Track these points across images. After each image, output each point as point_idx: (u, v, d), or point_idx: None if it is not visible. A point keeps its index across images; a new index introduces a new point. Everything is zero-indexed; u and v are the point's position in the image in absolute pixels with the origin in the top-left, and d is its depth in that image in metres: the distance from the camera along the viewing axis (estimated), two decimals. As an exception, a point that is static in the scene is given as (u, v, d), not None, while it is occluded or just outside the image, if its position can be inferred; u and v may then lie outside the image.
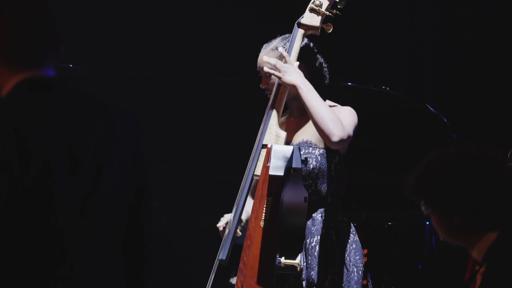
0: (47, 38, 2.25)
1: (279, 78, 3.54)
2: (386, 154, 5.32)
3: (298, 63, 3.58)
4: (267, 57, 3.67)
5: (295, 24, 3.62)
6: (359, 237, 3.69)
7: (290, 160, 3.38)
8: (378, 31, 6.29)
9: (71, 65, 5.10)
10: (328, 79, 3.75)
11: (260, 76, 3.73)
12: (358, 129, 3.64)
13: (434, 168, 2.48)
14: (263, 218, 3.36)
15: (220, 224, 3.74)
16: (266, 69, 3.62)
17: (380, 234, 5.08)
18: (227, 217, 3.75)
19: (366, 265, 3.71)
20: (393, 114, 5.32)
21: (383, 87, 5.27)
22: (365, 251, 3.72)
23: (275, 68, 3.56)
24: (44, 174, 2.09)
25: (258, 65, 3.72)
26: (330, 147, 3.58)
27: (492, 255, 2.43)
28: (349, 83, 5.21)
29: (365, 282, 3.67)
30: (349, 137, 3.55)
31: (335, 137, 3.49)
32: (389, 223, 5.12)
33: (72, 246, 2.12)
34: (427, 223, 5.06)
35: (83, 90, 2.25)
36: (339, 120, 3.52)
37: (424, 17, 6.34)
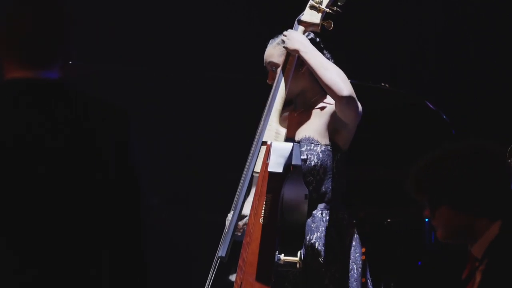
0: (57, 40, 2.20)
1: (284, 47, 3.55)
2: (385, 150, 5.31)
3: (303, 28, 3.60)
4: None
5: (295, 21, 3.61)
6: (358, 235, 3.68)
7: (289, 157, 3.37)
8: (379, 28, 6.29)
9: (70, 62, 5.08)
10: None
11: (267, 72, 3.72)
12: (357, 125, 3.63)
13: (435, 165, 2.48)
14: (262, 215, 3.36)
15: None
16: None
17: (379, 231, 5.07)
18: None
19: (365, 263, 3.70)
20: (392, 111, 5.31)
21: (383, 83, 5.27)
22: (363, 249, 3.71)
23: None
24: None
25: (264, 60, 3.71)
26: (340, 105, 3.50)
27: (491, 252, 2.43)
28: (349, 80, 5.20)
29: (363, 280, 3.66)
30: (357, 104, 3.52)
31: (345, 91, 3.45)
32: (388, 220, 5.12)
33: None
34: (426, 220, 5.06)
35: (81, 92, 2.20)
36: (347, 79, 3.50)
37: (426, 13, 6.33)
